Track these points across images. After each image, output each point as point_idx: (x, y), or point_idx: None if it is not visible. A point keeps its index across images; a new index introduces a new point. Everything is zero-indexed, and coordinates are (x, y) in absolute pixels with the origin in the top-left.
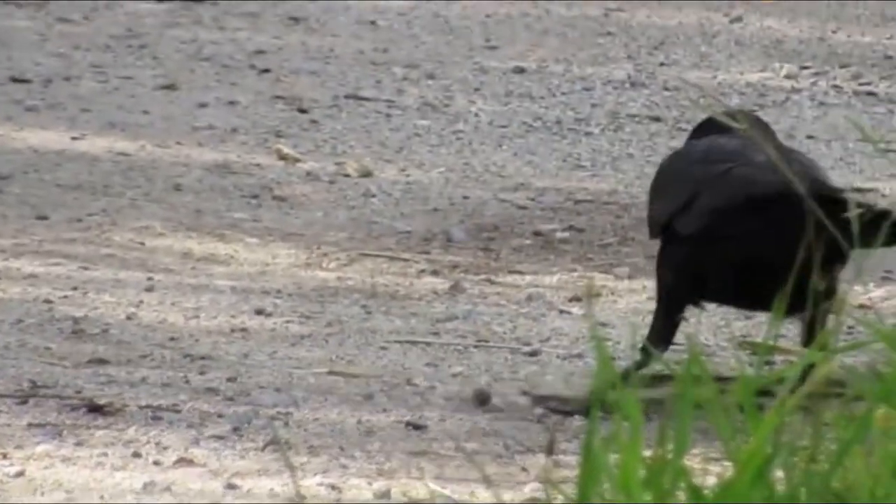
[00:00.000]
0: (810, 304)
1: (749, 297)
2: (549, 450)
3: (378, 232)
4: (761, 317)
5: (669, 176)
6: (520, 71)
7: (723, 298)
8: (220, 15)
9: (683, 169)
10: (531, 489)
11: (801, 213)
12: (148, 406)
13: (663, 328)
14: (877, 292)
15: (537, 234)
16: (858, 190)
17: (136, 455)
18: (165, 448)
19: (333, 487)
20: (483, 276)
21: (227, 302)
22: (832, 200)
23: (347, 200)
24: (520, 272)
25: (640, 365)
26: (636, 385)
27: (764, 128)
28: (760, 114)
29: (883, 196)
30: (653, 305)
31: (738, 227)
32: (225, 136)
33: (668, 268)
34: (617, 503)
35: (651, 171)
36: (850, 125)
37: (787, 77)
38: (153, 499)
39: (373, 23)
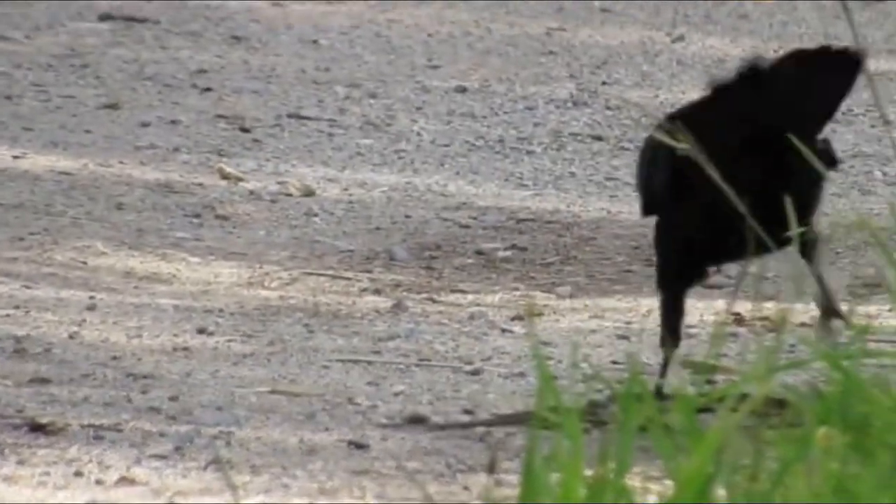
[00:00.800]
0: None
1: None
2: (491, 469)
3: (320, 251)
4: (703, 336)
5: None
6: (462, 90)
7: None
8: (162, 34)
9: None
10: None
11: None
12: (90, 425)
13: (669, 322)
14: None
15: (479, 253)
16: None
17: (78, 474)
18: (107, 467)
19: None
20: (425, 295)
21: (169, 321)
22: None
23: (290, 219)
24: (462, 291)
25: (663, 370)
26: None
27: None
28: None
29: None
30: (594, 324)
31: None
32: (167, 155)
33: (666, 239)
34: None
35: (593, 190)
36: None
37: None
38: None
39: (315, 42)
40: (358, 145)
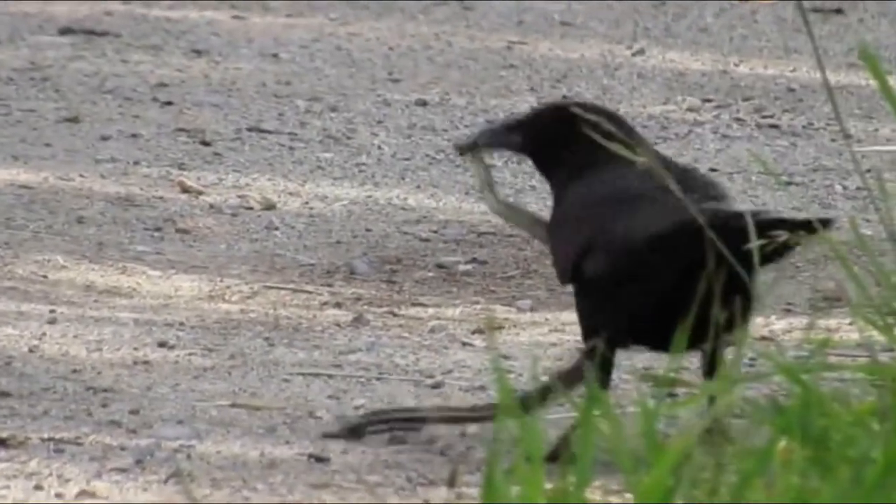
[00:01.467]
0: (712, 335)
1: (662, 336)
2: (452, 482)
3: (281, 264)
4: None
5: (571, 218)
6: (422, 103)
7: (641, 339)
8: (122, 48)
9: (584, 211)
10: None
11: (702, 248)
12: (50, 439)
13: (601, 375)
14: (778, 324)
15: (440, 266)
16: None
17: (39, 488)
18: (68, 481)
19: None
20: (386, 309)
21: (129, 334)
22: (733, 228)
23: (250, 233)
24: (423, 305)
25: (545, 392)
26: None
27: (620, 124)
28: (663, 147)
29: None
30: (554, 338)
31: (642, 268)
32: (128, 168)
33: (585, 313)
34: None
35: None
36: (752, 158)
37: (690, 110)
38: None
39: (275, 56)
40: (318, 159)
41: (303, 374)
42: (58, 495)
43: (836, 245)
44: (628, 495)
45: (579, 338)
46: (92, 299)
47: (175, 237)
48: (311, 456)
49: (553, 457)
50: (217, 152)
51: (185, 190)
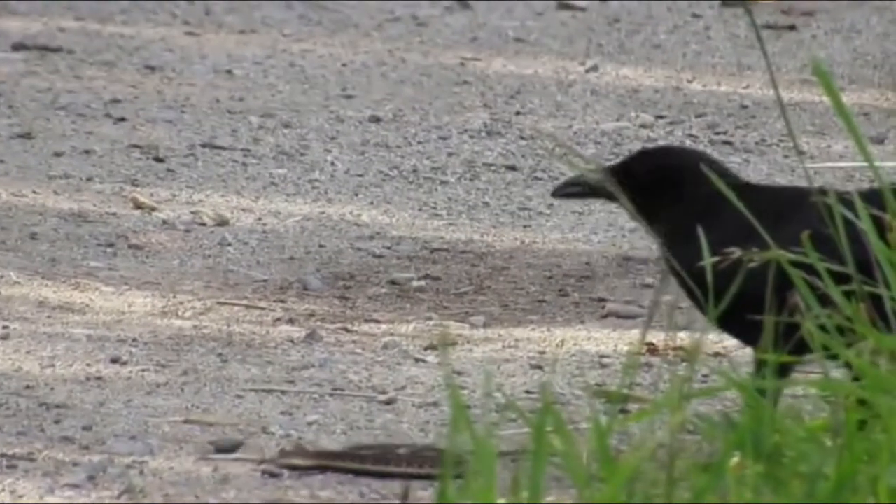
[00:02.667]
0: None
1: None
2: (404, 497)
3: (234, 280)
4: (616, 365)
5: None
6: (376, 120)
7: None
8: (76, 64)
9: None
10: None
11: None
12: (3, 454)
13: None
14: (731, 341)
15: (393, 282)
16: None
17: None
18: (21, 496)
19: None
20: (339, 325)
21: (82, 350)
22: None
23: (203, 249)
24: (376, 321)
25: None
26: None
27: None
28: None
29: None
30: (508, 354)
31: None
32: (81, 184)
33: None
34: None
35: (507, 220)
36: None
37: (643, 126)
38: None
39: (229, 72)
40: (272, 175)
41: (256, 390)
42: None
43: (789, 262)
44: None
45: (532, 353)
46: (45, 315)
47: (128, 253)
48: (263, 472)
49: None
50: (170, 168)
51: (139, 206)
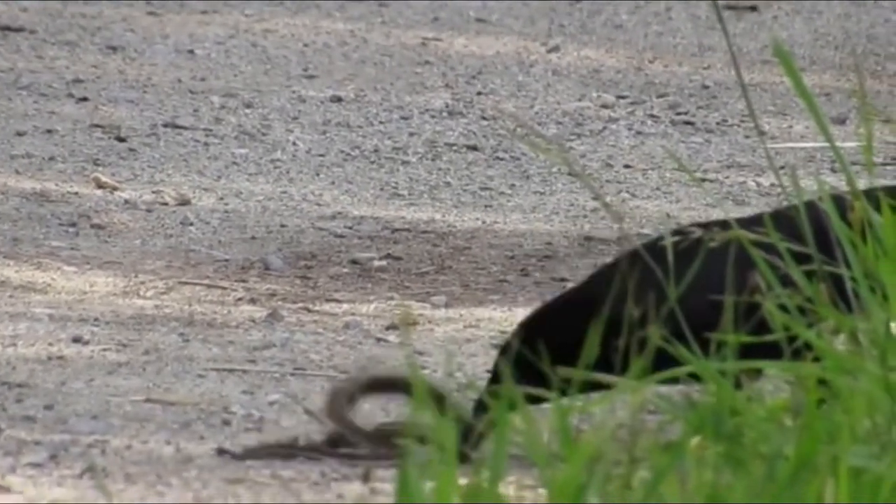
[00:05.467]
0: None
1: None
2: (366, 477)
3: (196, 260)
4: None
5: None
6: (337, 100)
7: None
8: (38, 44)
9: None
10: None
11: None
12: None
13: None
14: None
15: (354, 262)
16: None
17: None
18: None
19: None
20: (300, 305)
21: (44, 330)
22: None
23: (165, 229)
24: (337, 300)
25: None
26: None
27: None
28: (577, 143)
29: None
30: (469, 334)
31: None
32: (42, 164)
33: None
34: None
35: (468, 200)
36: (666, 155)
37: (604, 107)
38: None
39: (191, 52)
40: (233, 155)
41: (217, 370)
42: None
43: (750, 241)
44: (542, 491)
45: (494, 333)
46: (7, 295)
47: (90, 233)
48: (225, 451)
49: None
50: (132, 148)
51: (100, 186)
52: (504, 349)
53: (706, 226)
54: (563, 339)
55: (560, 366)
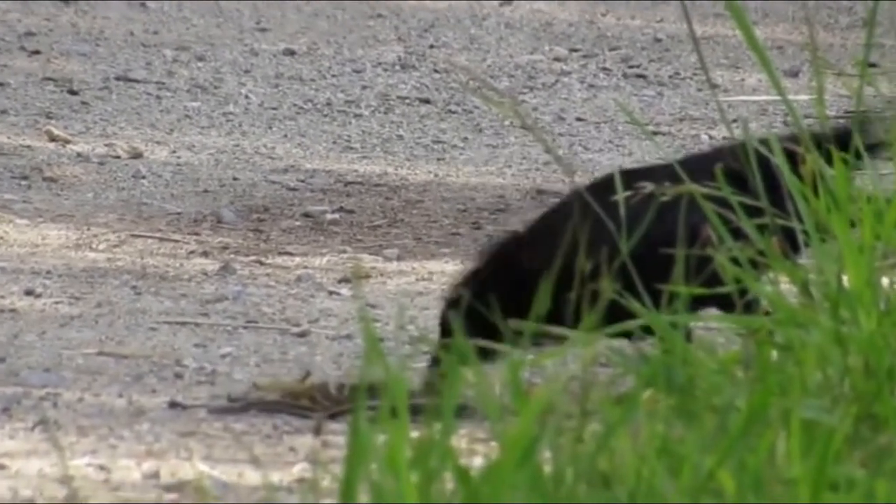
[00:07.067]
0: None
1: None
2: (317, 430)
3: (148, 213)
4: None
5: None
6: (290, 53)
7: None
8: None
9: None
10: (300, 469)
11: None
12: None
13: None
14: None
15: (307, 215)
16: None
17: None
18: None
19: (102, 468)
20: (253, 258)
21: None
22: None
23: (118, 182)
24: (289, 253)
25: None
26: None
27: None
28: (529, 96)
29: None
30: (421, 287)
31: None
32: None
33: None
34: (384, 483)
35: (421, 153)
36: (619, 108)
37: (557, 60)
38: None
39: (143, 5)
40: (186, 108)
41: (169, 323)
42: None
43: (700, 194)
44: (494, 444)
45: (446, 286)
46: None
47: (42, 186)
48: (177, 404)
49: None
50: (84, 101)
51: (53, 139)
52: (450, 302)
53: (653, 171)
54: (507, 289)
55: (508, 317)
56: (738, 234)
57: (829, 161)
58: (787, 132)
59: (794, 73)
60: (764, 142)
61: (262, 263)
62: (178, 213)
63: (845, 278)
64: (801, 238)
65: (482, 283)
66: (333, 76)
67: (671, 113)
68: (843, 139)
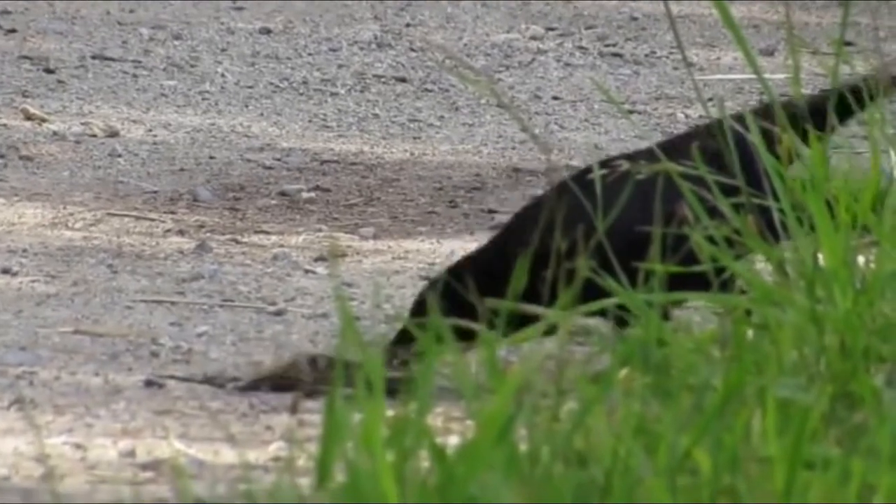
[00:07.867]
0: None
1: None
2: (294, 409)
3: (124, 192)
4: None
5: None
6: (266, 31)
7: None
8: None
9: None
10: (276, 448)
11: None
12: None
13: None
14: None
15: (283, 194)
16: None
17: None
18: None
19: (78, 446)
20: (229, 236)
21: None
22: None
23: (94, 160)
24: (265, 232)
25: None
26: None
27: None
28: (505, 75)
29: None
30: (397, 266)
31: None
32: None
33: None
34: (359, 462)
35: (397, 132)
36: (595, 86)
37: (533, 38)
38: None
39: None
40: (162, 87)
41: (145, 302)
42: None
43: (679, 174)
44: (470, 422)
45: (422, 265)
46: None
47: (18, 164)
48: (153, 383)
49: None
50: (61, 80)
51: (29, 117)
52: (433, 283)
53: (633, 157)
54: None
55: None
56: (714, 212)
57: (805, 139)
58: (760, 105)
59: (769, 52)
60: (740, 118)
61: (238, 242)
62: (155, 192)
63: (821, 257)
64: (776, 217)
65: (487, 261)
66: (309, 55)
67: (647, 91)
68: (817, 111)
